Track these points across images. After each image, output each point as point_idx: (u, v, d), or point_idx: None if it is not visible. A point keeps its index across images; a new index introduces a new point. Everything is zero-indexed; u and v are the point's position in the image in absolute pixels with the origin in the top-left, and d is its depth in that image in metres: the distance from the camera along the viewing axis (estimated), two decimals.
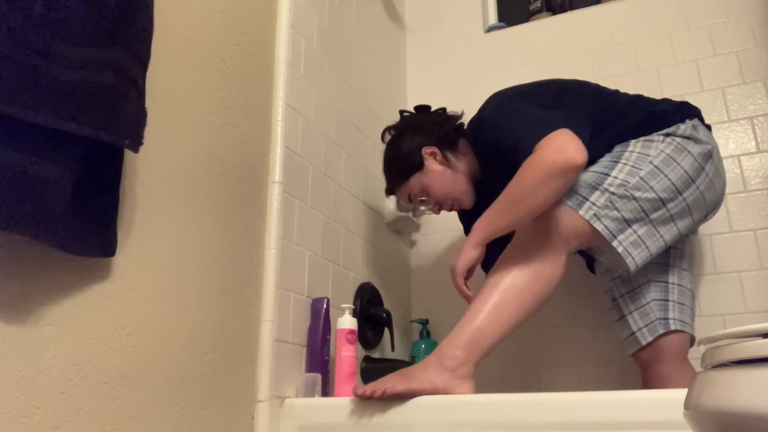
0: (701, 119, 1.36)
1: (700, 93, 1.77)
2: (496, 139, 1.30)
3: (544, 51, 2.02)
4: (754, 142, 1.69)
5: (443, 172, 1.45)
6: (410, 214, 1.89)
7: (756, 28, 1.76)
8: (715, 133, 1.72)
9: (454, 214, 2.04)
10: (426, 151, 1.45)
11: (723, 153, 1.70)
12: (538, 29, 2.08)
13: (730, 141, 1.71)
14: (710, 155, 1.29)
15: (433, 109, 1.59)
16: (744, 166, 1.68)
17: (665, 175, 1.23)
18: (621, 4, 1.96)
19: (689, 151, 1.26)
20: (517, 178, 1.17)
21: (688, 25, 1.84)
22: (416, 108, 1.59)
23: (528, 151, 1.16)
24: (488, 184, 1.45)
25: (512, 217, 1.20)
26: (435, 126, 1.50)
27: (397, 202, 1.85)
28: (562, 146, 1.13)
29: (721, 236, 1.64)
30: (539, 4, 2.15)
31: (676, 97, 1.77)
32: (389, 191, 1.56)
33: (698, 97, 1.77)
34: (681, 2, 1.87)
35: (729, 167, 1.68)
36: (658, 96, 1.82)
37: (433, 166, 1.45)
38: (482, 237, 1.23)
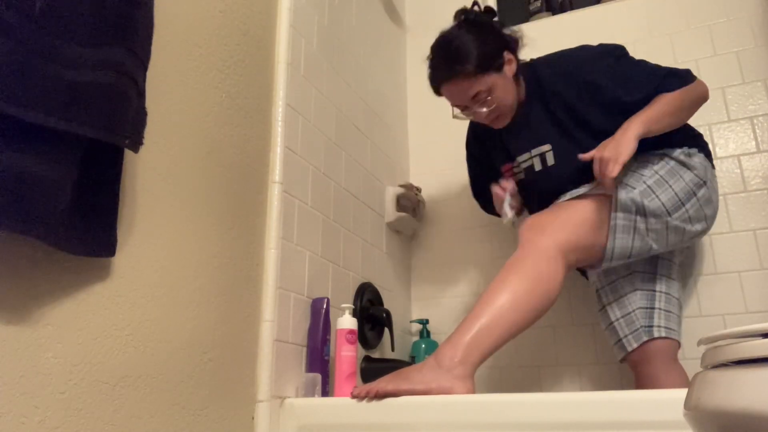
0: (702, 149, 1.40)
1: None
2: (624, 76, 1.34)
3: (544, 51, 2.00)
4: (754, 142, 1.68)
5: (512, 84, 1.42)
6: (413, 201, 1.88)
7: (756, 28, 1.76)
8: (715, 132, 1.72)
9: (455, 215, 2.04)
10: (507, 55, 1.41)
11: (723, 153, 1.70)
12: (538, 29, 2.07)
13: (730, 141, 1.71)
14: (703, 184, 1.34)
15: None
16: (744, 166, 1.68)
17: (656, 196, 1.29)
18: (621, 4, 1.96)
19: (681, 176, 1.32)
20: (685, 93, 1.30)
21: (688, 25, 1.84)
22: (487, 8, 1.49)
23: (689, 80, 1.33)
24: (524, 121, 1.45)
25: (674, 121, 1.30)
26: (508, 38, 1.45)
27: (400, 196, 1.85)
28: (707, 88, 1.37)
29: (721, 236, 1.64)
30: (539, 4, 2.14)
31: None
32: (447, 79, 1.39)
33: None
34: (681, 2, 1.87)
35: (729, 167, 1.69)
36: None
37: (509, 73, 1.41)
38: (645, 130, 1.24)
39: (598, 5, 2.01)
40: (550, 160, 1.41)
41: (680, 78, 1.32)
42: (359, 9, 1.89)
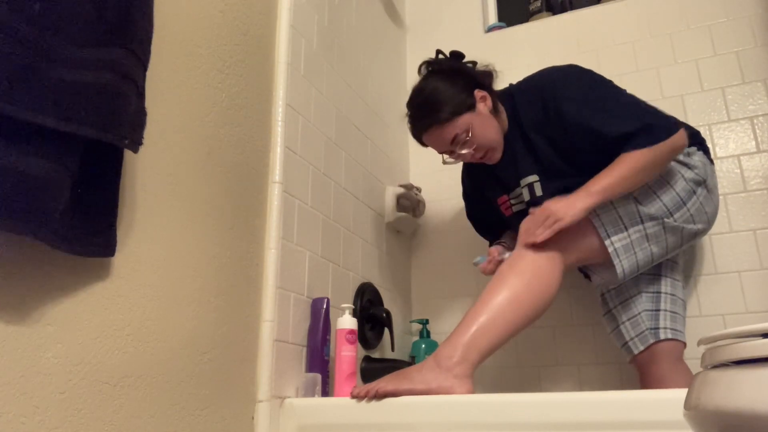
0: (701, 147, 1.39)
1: (700, 93, 1.77)
2: (595, 118, 1.28)
3: (544, 51, 2.01)
4: (754, 142, 1.68)
5: (491, 119, 1.41)
6: (414, 200, 1.88)
7: (756, 28, 1.76)
8: (714, 132, 1.73)
9: (455, 215, 2.04)
10: (479, 93, 1.41)
11: (723, 153, 1.70)
12: (538, 29, 2.08)
13: (730, 141, 1.71)
14: (703, 182, 1.33)
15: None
16: (744, 166, 1.68)
17: (657, 197, 1.29)
18: (621, 4, 1.96)
19: (682, 175, 1.32)
20: (651, 154, 1.22)
21: (688, 25, 1.84)
22: (452, 53, 1.50)
23: (662, 137, 1.23)
24: (509, 152, 1.43)
25: (632, 185, 1.24)
26: (477, 75, 1.46)
27: (400, 196, 1.85)
28: (685, 137, 1.27)
29: (721, 236, 1.64)
30: (539, 4, 2.14)
31: (676, 97, 1.78)
32: (424, 129, 1.41)
33: (698, 97, 1.77)
34: (681, 2, 1.87)
35: (729, 167, 1.69)
36: (658, 96, 1.82)
37: (484, 110, 1.40)
38: (600, 200, 1.22)
39: (598, 5, 2.01)
40: (538, 190, 1.39)
41: (651, 135, 1.23)
42: (359, 9, 1.89)
